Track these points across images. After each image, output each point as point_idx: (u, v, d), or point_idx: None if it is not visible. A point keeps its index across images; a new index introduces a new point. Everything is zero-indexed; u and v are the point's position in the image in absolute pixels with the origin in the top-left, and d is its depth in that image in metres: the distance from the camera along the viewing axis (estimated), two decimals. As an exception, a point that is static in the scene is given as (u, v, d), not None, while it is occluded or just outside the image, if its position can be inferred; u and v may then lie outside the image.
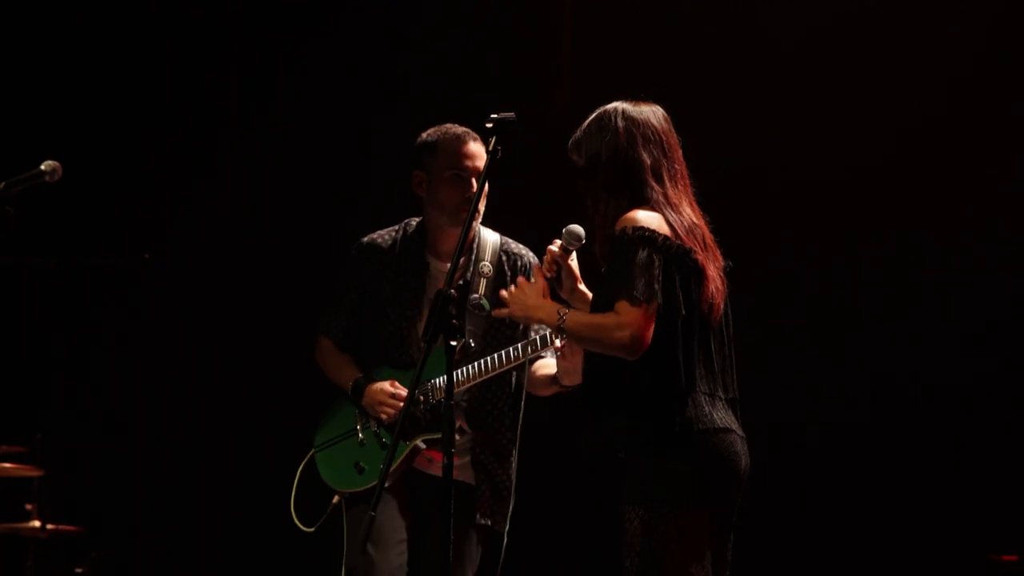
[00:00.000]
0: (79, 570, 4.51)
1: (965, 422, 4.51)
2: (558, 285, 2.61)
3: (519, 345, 2.90)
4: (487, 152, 2.50)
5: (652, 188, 2.43)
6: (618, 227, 2.39)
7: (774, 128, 4.65)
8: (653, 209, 2.41)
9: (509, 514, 3.05)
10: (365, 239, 3.21)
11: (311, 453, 3.14)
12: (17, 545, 4.54)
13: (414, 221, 3.22)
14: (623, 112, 2.49)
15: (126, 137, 5.46)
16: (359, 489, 2.98)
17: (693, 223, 2.45)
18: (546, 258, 2.61)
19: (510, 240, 3.20)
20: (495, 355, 2.92)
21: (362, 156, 5.16)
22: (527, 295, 2.50)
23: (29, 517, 4.39)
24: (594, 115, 2.54)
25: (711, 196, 2.66)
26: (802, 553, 4.48)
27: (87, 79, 5.43)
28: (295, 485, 3.11)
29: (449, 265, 2.88)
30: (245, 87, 5.53)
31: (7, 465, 4.37)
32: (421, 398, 2.94)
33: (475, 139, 3.05)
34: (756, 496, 2.67)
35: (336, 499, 3.03)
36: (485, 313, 2.95)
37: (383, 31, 5.22)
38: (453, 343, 2.32)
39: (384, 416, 2.96)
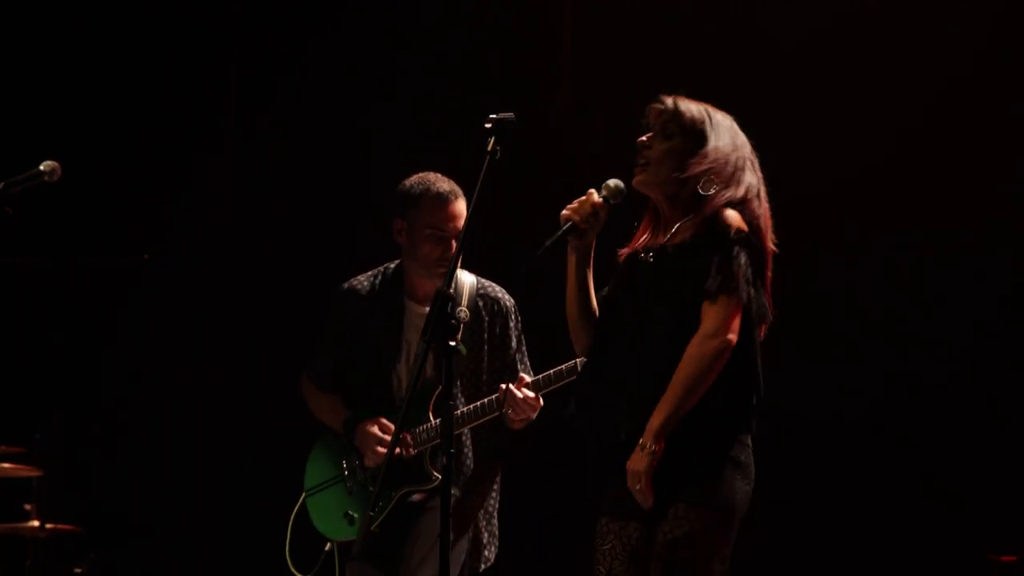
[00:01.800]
0: (78, 570, 4.50)
1: (965, 422, 4.51)
2: (581, 236, 2.51)
3: (480, 404, 2.91)
4: (487, 152, 2.49)
5: (749, 199, 2.50)
6: (718, 221, 2.42)
7: (773, 128, 4.63)
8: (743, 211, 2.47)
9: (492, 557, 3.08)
10: (345, 285, 3.21)
11: (303, 498, 3.14)
12: (16, 545, 4.53)
13: (392, 265, 3.21)
14: (733, 124, 2.58)
15: (126, 137, 5.47)
16: (350, 539, 2.99)
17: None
18: (584, 203, 2.51)
19: (486, 282, 3.18)
20: (463, 411, 2.90)
21: (362, 156, 5.16)
22: (632, 471, 2.35)
23: (28, 517, 4.38)
24: (707, 107, 2.57)
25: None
26: (802, 553, 4.48)
27: (87, 79, 5.44)
28: (289, 533, 3.11)
29: (426, 308, 2.91)
30: (245, 87, 5.53)
31: (6, 465, 4.36)
32: (400, 450, 2.93)
33: (458, 196, 3.01)
34: (756, 495, 2.66)
35: (328, 546, 3.03)
36: (462, 358, 2.92)
37: (383, 31, 5.22)
38: (452, 344, 2.32)
39: (371, 462, 2.96)
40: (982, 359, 4.48)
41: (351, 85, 5.27)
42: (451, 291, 2.36)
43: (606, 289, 2.60)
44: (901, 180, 4.59)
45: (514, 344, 3.12)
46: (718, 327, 2.33)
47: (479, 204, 2.45)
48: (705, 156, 2.47)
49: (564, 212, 2.51)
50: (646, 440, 2.32)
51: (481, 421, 2.95)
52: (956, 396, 4.49)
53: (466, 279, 3.11)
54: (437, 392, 2.94)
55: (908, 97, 4.58)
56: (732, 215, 2.43)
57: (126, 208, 5.40)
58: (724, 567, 2.42)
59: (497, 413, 2.92)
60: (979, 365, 4.48)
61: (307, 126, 5.32)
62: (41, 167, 2.54)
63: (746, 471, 2.45)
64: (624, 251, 2.62)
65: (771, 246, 2.55)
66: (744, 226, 2.43)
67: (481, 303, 3.11)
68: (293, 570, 3.07)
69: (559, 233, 2.49)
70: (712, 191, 2.44)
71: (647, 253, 2.53)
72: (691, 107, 2.55)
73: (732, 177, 2.48)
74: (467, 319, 3.02)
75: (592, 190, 2.53)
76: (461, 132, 3.15)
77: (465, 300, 3.05)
